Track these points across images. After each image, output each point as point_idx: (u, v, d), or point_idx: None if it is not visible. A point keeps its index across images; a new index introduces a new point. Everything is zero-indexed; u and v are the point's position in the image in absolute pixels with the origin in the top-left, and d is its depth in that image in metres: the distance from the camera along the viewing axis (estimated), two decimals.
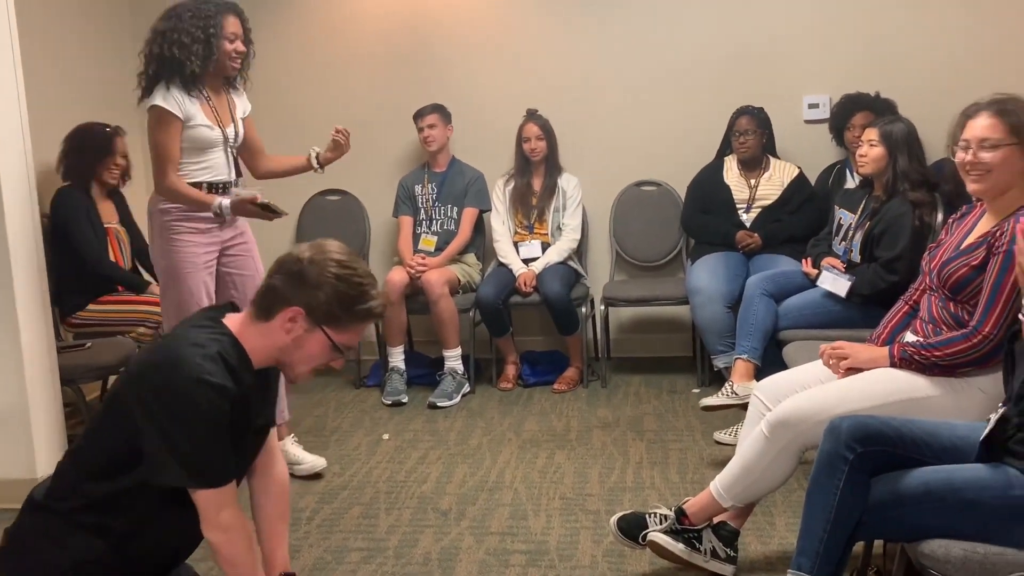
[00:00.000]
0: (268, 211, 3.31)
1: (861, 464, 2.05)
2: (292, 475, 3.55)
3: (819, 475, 2.10)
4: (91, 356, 3.76)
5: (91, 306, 4.03)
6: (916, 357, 2.48)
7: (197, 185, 3.32)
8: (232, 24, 3.30)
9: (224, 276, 3.43)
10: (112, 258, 4.15)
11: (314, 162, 3.58)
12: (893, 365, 2.54)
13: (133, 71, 3.36)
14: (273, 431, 2.23)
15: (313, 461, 3.62)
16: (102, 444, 1.95)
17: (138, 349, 3.88)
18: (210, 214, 3.32)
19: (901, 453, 2.08)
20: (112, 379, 4.39)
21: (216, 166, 3.35)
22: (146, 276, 4.30)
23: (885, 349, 2.59)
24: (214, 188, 3.35)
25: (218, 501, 1.89)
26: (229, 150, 3.38)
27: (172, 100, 3.24)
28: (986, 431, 2.01)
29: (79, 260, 4.01)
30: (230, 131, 3.38)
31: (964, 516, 1.92)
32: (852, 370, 2.61)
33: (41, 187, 4.06)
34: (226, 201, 3.30)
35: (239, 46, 3.32)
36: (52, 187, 4.11)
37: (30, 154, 3.41)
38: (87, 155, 4.11)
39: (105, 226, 4.15)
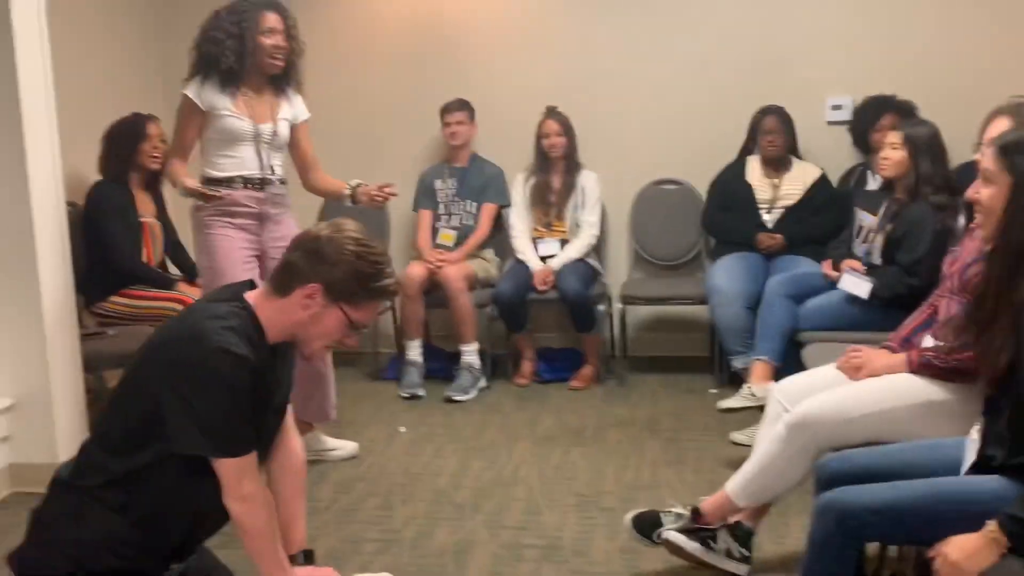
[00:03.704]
0: (199, 195, 3.26)
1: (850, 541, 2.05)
2: (324, 460, 3.61)
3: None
4: (113, 344, 3.78)
5: (115, 297, 4.05)
6: (935, 362, 2.47)
7: (230, 179, 3.35)
8: (270, 20, 3.33)
9: None
10: (144, 253, 4.13)
11: (346, 199, 3.55)
12: (912, 371, 2.52)
13: (162, 68, 3.39)
14: (288, 409, 2.25)
15: (350, 445, 3.73)
16: (122, 419, 1.97)
17: None
18: (241, 208, 3.36)
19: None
20: None
21: (246, 160, 3.38)
22: (175, 273, 4.33)
23: (902, 355, 2.58)
24: (249, 183, 3.38)
25: (240, 470, 1.91)
26: (263, 147, 3.40)
27: (200, 92, 3.31)
28: (974, 454, 2.02)
29: (107, 254, 4.04)
30: (265, 128, 3.39)
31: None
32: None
33: (81, 182, 4.10)
34: (190, 182, 3.27)
35: (279, 40, 3.34)
36: (91, 181, 4.14)
37: (56, 146, 3.44)
38: (122, 144, 4.13)
39: (141, 220, 4.17)
